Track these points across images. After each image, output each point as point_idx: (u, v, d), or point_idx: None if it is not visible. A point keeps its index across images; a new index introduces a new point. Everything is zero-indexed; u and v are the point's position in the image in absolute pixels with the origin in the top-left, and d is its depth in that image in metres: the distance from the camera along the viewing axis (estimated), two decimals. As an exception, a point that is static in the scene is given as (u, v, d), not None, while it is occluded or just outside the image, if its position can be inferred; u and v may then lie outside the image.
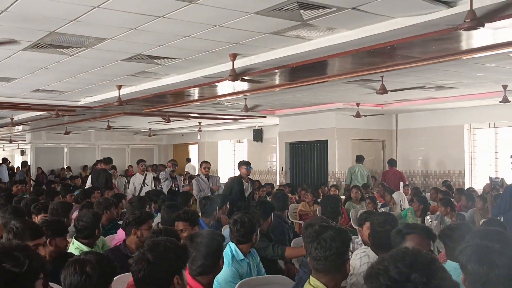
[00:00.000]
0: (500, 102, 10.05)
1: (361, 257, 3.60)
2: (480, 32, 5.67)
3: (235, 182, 8.94)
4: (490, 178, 5.84)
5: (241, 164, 9.15)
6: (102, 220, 5.02)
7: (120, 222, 5.90)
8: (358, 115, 12.35)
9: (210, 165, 10.23)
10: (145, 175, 11.06)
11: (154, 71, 8.21)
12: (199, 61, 7.41)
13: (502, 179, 5.55)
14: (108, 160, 11.89)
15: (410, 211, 8.25)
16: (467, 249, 2.26)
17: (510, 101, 10.15)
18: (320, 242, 2.69)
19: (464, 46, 6.67)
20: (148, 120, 16.39)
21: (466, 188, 11.26)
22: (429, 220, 7.65)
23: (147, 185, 10.71)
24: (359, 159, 13.04)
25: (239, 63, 7.17)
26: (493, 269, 2.12)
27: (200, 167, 9.82)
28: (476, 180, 13.13)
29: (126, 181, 13.34)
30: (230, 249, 3.86)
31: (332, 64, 7.66)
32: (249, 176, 9.16)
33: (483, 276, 2.12)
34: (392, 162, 13.24)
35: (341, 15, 5.22)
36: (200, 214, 5.91)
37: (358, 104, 12.35)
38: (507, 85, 9.69)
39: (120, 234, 5.00)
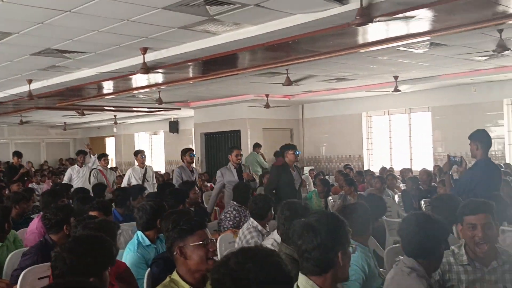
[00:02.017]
0: (392, 91, 10.61)
1: (271, 244, 3.61)
2: (374, 27, 5.96)
3: (281, 170, 6.70)
4: (449, 157, 5.23)
5: (287, 148, 6.88)
6: (12, 214, 4.75)
7: (33, 216, 5.64)
8: (267, 106, 12.56)
9: (242, 155, 7.92)
10: (145, 168, 9.03)
11: (65, 65, 7.86)
12: (110, 55, 7.19)
13: (462, 157, 5.08)
14: (17, 154, 11.49)
15: (315, 193, 8.52)
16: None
17: (401, 91, 10.75)
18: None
19: (360, 40, 6.95)
20: (62, 114, 15.70)
21: (364, 170, 11.81)
22: (332, 200, 7.95)
23: (148, 180, 8.81)
24: (255, 146, 13.07)
25: (150, 56, 7.03)
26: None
27: (231, 154, 7.60)
28: (373, 163, 13.82)
29: (115, 174, 11.10)
30: (137, 236, 3.85)
31: (241, 58, 7.71)
32: (295, 164, 6.97)
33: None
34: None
35: (245, 11, 5.25)
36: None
37: (267, 96, 12.55)
38: (398, 76, 10.24)
39: (31, 226, 4.79)
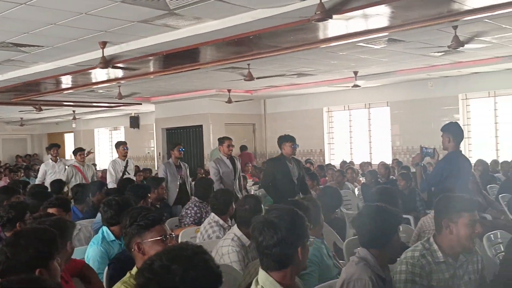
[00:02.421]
0: (352, 87, 10.77)
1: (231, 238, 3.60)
2: (334, 23, 6.03)
3: (278, 164, 6.30)
4: (421, 148, 5.05)
5: (284, 140, 6.42)
6: None
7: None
8: (229, 101, 12.54)
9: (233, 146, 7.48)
10: (127, 161, 8.37)
11: (21, 59, 7.64)
12: (68, 49, 7.02)
13: (434, 149, 4.95)
14: None
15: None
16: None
17: (360, 86, 10.92)
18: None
19: (321, 36, 7.02)
20: (18, 110, 15.25)
21: (326, 164, 11.96)
22: (294, 194, 8.00)
23: (129, 173, 8.25)
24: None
25: (109, 51, 6.90)
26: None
27: (222, 145, 7.22)
28: (334, 157, 14.01)
29: (95, 170, 10.16)
30: (102, 231, 3.80)
31: (203, 52, 7.67)
32: (293, 156, 6.45)
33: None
34: (243, 147, 13.82)
35: (205, 6, 5.22)
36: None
37: (229, 91, 12.53)
38: (358, 72, 10.40)
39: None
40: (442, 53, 8.61)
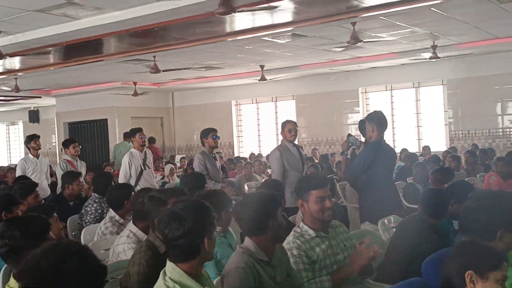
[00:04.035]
0: (259, 80, 10.95)
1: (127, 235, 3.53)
2: (241, 17, 6.11)
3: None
4: (348, 137, 5.04)
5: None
6: None
7: None
8: (136, 94, 12.25)
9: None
10: (145, 152, 6.76)
11: None
12: (-44, 37, 6.51)
13: (360, 140, 4.92)
14: None
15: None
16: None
17: (267, 80, 11.14)
18: None
19: (227, 29, 7.07)
20: None
21: (235, 157, 12.09)
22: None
23: (148, 167, 6.73)
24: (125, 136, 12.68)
25: (4, 41, 6.49)
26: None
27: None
28: (243, 149, 14.19)
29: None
30: None
31: (106, 44, 7.43)
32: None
33: None
34: (151, 140, 13.52)
35: (107, -4, 5.08)
36: None
37: (135, 83, 12.24)
38: (264, 66, 10.60)
39: None
40: (343, 48, 8.99)
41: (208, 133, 6.18)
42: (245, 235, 2.71)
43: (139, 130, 6.72)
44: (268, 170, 10.14)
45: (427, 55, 9.26)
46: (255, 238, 2.64)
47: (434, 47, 8.95)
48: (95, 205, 5.06)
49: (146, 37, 6.94)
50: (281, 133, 5.94)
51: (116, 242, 3.48)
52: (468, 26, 7.76)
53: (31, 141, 7.40)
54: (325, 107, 12.53)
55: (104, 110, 13.50)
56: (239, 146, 14.40)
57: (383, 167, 4.73)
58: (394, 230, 3.84)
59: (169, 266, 2.23)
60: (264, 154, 12.42)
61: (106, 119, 13.61)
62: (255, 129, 14.22)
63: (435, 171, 6.38)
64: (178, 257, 2.21)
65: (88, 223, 4.89)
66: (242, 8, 5.19)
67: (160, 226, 2.27)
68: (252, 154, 12.17)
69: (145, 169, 6.59)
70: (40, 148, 7.60)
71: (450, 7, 6.51)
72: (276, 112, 13.81)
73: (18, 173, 7.36)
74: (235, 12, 4.72)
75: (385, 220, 4.09)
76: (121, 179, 6.46)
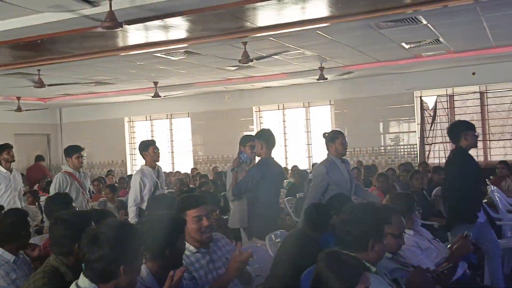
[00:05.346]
0: (153, 97, 10.81)
1: None
2: (133, 32, 6.01)
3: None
4: (239, 153, 5.07)
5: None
6: None
7: None
8: (19, 109, 11.52)
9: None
10: (158, 169, 5.83)
11: None
12: None
13: (250, 157, 4.94)
14: None
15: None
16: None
17: (161, 96, 11.03)
18: None
19: (119, 44, 6.91)
20: None
21: (128, 175, 11.76)
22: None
23: (162, 188, 5.89)
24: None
25: None
26: None
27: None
28: (136, 167, 13.84)
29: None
30: None
31: (-16, 56, 6.95)
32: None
33: None
34: (39, 158, 12.86)
35: (-17, 4, 4.76)
36: None
37: (19, 98, 11.51)
38: (158, 82, 10.49)
39: None
40: (236, 67, 9.17)
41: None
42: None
43: (153, 142, 5.91)
44: (165, 187, 10.00)
45: (316, 76, 9.72)
46: (151, 263, 2.52)
47: (321, 68, 9.42)
48: None
49: (29, 49, 6.59)
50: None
51: None
52: (352, 50, 8.27)
53: (3, 151, 6.22)
54: (220, 124, 12.64)
55: (-18, 126, 12.54)
56: (132, 164, 14.05)
57: (270, 184, 4.86)
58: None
59: (85, 281, 2.17)
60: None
61: (-15, 136, 12.64)
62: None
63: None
64: (93, 278, 2.15)
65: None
66: (130, 23, 5.12)
67: (82, 242, 2.20)
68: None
69: (159, 189, 5.70)
70: (14, 160, 6.47)
71: (335, 31, 6.91)
72: (171, 130, 13.70)
73: None
74: (122, 27, 4.63)
75: (272, 235, 4.19)
76: (130, 203, 5.59)
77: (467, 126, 4.71)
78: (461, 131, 4.64)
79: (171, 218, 2.66)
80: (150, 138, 13.66)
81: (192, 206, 2.94)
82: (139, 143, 6.04)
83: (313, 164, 11.26)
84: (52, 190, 5.73)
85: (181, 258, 2.65)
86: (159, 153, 5.79)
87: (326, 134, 4.99)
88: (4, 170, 6.32)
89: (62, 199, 4.18)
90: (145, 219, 2.77)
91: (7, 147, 6.37)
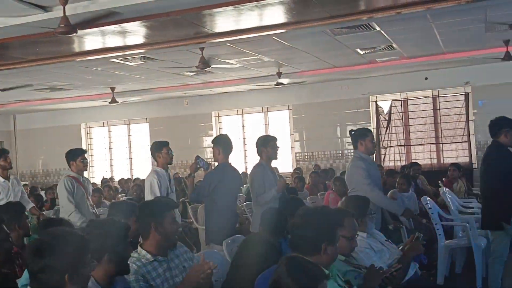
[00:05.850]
0: (110, 103, 10.65)
1: None
2: (90, 37, 5.93)
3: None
4: (196, 159, 4.97)
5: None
6: None
7: None
8: (-31, 116, 11.17)
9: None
10: (168, 172, 5.53)
11: None
12: None
13: (208, 162, 4.98)
14: None
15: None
16: None
17: (118, 102, 10.88)
18: None
19: (75, 49, 6.79)
20: None
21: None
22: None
23: (172, 190, 5.48)
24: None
25: None
26: None
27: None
28: (94, 174, 13.61)
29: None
30: None
31: None
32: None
33: None
34: None
35: None
36: None
37: (-32, 105, 11.18)
38: (115, 88, 10.35)
39: None
40: (194, 73, 9.15)
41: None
42: None
43: (166, 143, 5.53)
44: (120, 195, 9.85)
45: (274, 81, 9.80)
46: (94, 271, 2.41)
47: (279, 74, 9.52)
48: None
49: (-21, 54, 6.42)
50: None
51: None
52: (308, 56, 8.40)
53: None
54: (179, 130, 12.56)
55: None
56: (90, 170, 13.78)
57: (227, 189, 4.88)
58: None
59: None
60: (117, 178, 12.06)
61: None
62: (107, 153, 13.76)
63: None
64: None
65: None
66: (87, 28, 5.05)
67: (28, 250, 2.12)
68: (103, 179, 11.73)
69: (172, 192, 5.46)
70: (11, 167, 6.09)
71: (291, 37, 7.00)
72: (129, 136, 13.53)
73: None
74: (76, 32, 4.57)
75: (229, 240, 4.20)
76: None
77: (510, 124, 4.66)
78: (502, 127, 4.60)
79: (111, 223, 2.63)
80: (108, 144, 13.62)
81: (171, 207, 3.10)
82: (152, 143, 5.72)
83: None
84: (65, 194, 5.37)
85: (127, 265, 2.58)
86: (172, 155, 5.49)
87: (353, 132, 4.95)
88: (2, 179, 5.93)
89: (14, 208, 4.07)
90: (89, 225, 2.69)
91: (3, 153, 5.99)
